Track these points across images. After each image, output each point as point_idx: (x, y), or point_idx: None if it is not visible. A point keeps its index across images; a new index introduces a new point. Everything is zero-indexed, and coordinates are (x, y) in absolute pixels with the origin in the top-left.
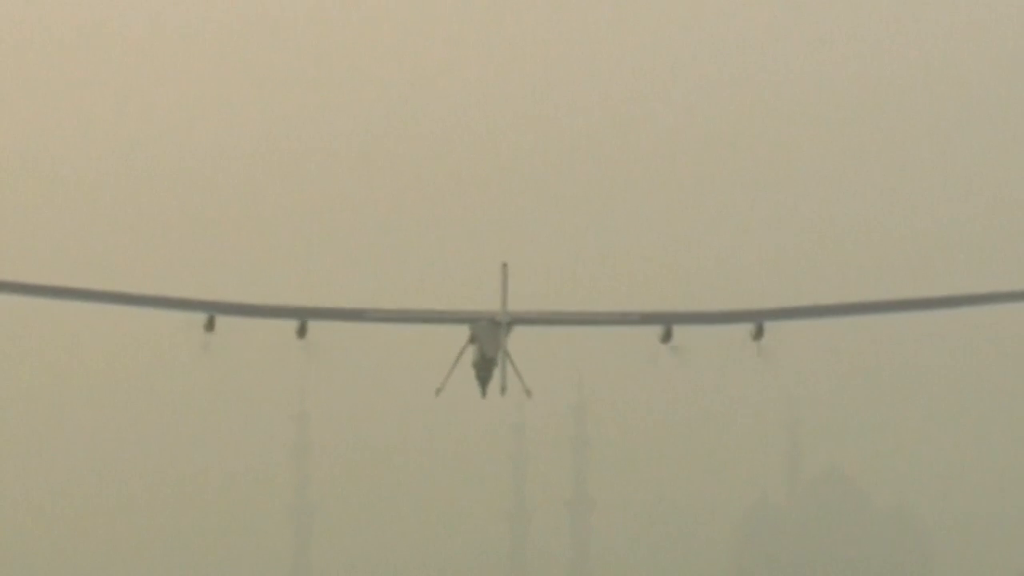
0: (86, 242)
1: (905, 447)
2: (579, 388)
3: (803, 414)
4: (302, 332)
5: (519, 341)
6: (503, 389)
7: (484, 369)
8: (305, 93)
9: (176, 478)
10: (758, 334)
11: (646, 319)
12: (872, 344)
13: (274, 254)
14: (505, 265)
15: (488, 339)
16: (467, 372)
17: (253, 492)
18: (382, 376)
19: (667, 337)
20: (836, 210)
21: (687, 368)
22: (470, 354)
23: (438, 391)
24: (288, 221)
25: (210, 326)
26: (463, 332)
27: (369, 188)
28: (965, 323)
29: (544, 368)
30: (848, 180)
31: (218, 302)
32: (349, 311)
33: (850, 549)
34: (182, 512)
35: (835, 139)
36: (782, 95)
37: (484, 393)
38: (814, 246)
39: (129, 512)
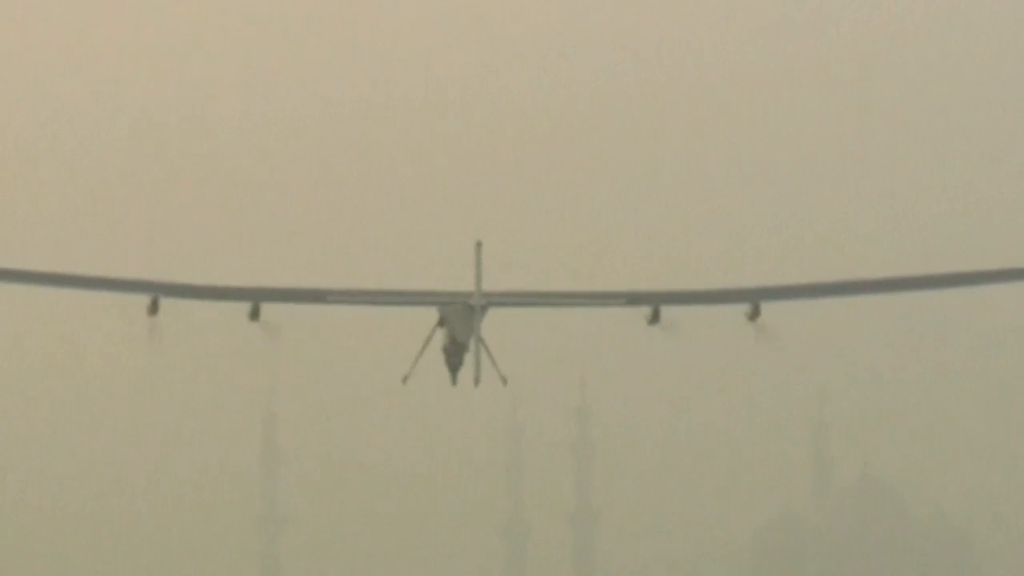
0: (17, 219)
1: (941, 448)
2: (581, 387)
3: (827, 412)
4: (255, 315)
5: (500, 328)
6: (476, 380)
7: (455, 355)
8: (263, 60)
9: (120, 476)
10: (754, 314)
11: (633, 299)
12: (890, 327)
13: (225, 230)
14: (479, 244)
15: (460, 323)
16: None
17: (209, 499)
18: (348, 366)
19: (655, 319)
20: (839, 183)
21: (685, 356)
22: (439, 339)
23: (405, 379)
24: (241, 194)
25: (153, 309)
26: (435, 316)
27: (331, 159)
28: (989, 303)
29: (541, 363)
30: (850, 151)
31: (161, 283)
32: (308, 292)
33: (885, 566)
34: (129, 515)
35: (835, 109)
36: (775, 64)
37: (455, 380)
38: (814, 222)
39: (72, 515)
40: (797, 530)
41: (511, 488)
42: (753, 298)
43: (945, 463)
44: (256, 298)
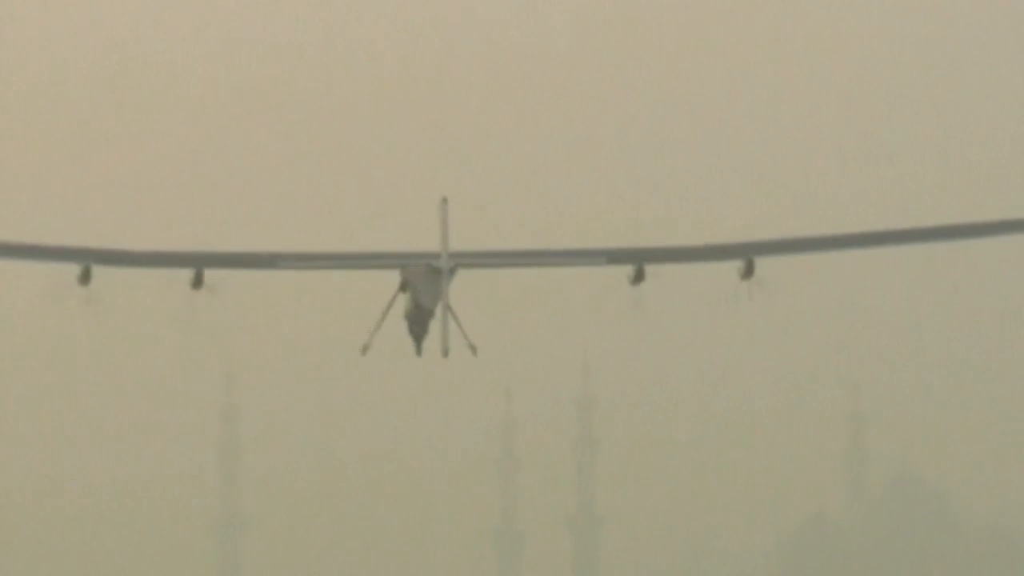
0: None
1: (985, 439)
2: (584, 375)
3: (855, 397)
4: (197, 283)
5: (469, 293)
6: (444, 350)
7: (419, 323)
8: (207, 10)
9: (49, 466)
10: (747, 272)
11: (615, 257)
12: (912, 282)
13: (164, 189)
14: (445, 200)
15: (425, 287)
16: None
17: (155, 498)
18: (304, 341)
19: (638, 278)
20: (836, 129)
21: (675, 323)
22: (402, 305)
23: (364, 350)
24: (180, 150)
25: (85, 278)
26: (397, 280)
27: (281, 111)
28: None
29: (538, 345)
30: (848, 95)
31: (92, 249)
32: (257, 256)
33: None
34: (64, 505)
35: (829, 56)
36: (765, 8)
37: (419, 351)
38: (813, 172)
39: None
40: (828, 534)
41: (502, 488)
42: (746, 253)
43: (990, 457)
44: (199, 264)
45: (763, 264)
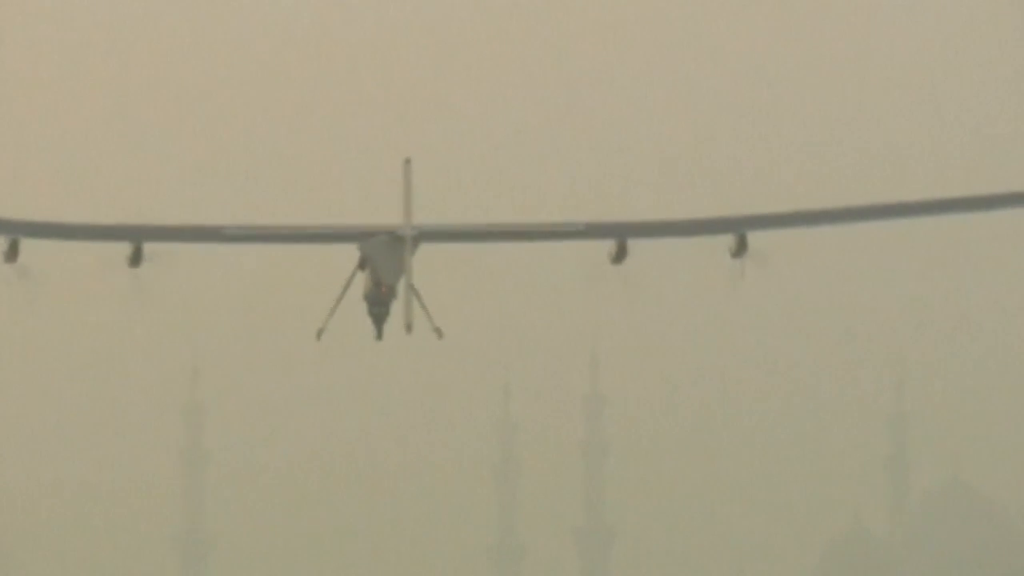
0: None
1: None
2: (592, 371)
3: (886, 390)
4: (136, 260)
5: (451, 272)
6: (408, 327)
7: (379, 303)
8: None
9: None
10: (739, 249)
11: (594, 230)
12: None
13: (99, 155)
14: (408, 161)
15: (386, 261)
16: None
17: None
18: (259, 326)
19: (620, 255)
20: (835, 99)
21: (660, 304)
22: (361, 285)
23: (319, 334)
24: (121, 114)
25: (11, 254)
26: (355, 257)
27: (225, 70)
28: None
29: (539, 335)
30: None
31: (20, 221)
32: (200, 229)
33: None
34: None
35: (825, 28)
36: None
37: (380, 334)
38: (811, 143)
39: None
40: (866, 548)
41: (500, 497)
42: (737, 228)
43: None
44: (137, 237)
45: (780, 242)
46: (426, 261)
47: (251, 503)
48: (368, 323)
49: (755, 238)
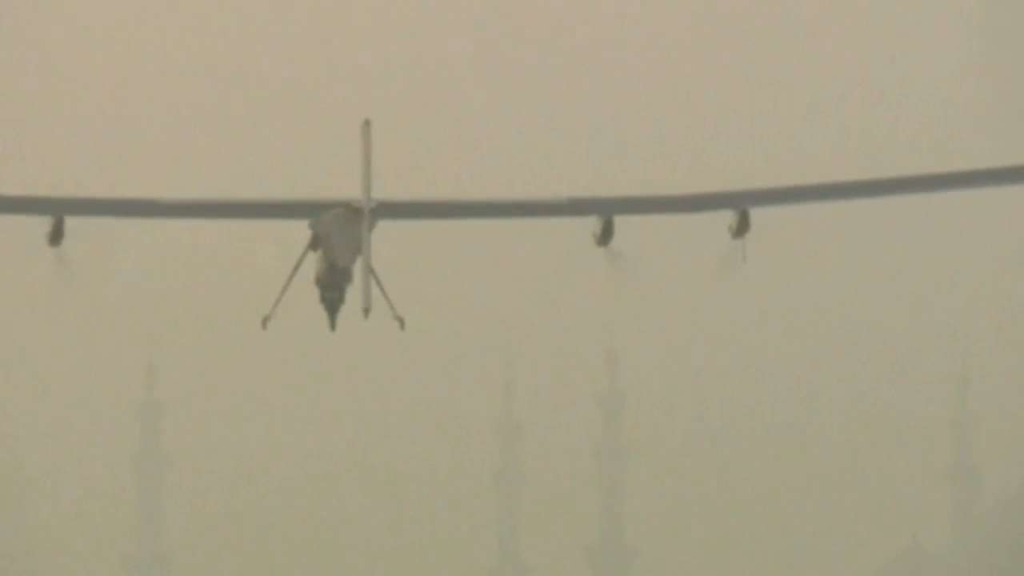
0: None
1: None
2: (607, 366)
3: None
4: (56, 237)
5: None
6: (366, 311)
7: (334, 287)
8: None
9: None
10: (741, 228)
11: (579, 207)
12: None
13: (18, 124)
14: (367, 122)
15: (342, 239)
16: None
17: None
18: (202, 312)
19: (607, 235)
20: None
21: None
22: (313, 266)
23: (265, 322)
24: (43, 74)
25: None
26: (305, 236)
27: (162, 27)
28: None
29: (543, 324)
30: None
31: None
32: (131, 203)
33: None
34: None
35: None
36: None
37: (333, 324)
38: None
39: None
40: (926, 571)
41: (503, 512)
42: (739, 203)
43: None
44: (59, 211)
45: (815, 217)
46: (403, 237)
47: (214, 516)
48: (354, 311)
49: (765, 215)
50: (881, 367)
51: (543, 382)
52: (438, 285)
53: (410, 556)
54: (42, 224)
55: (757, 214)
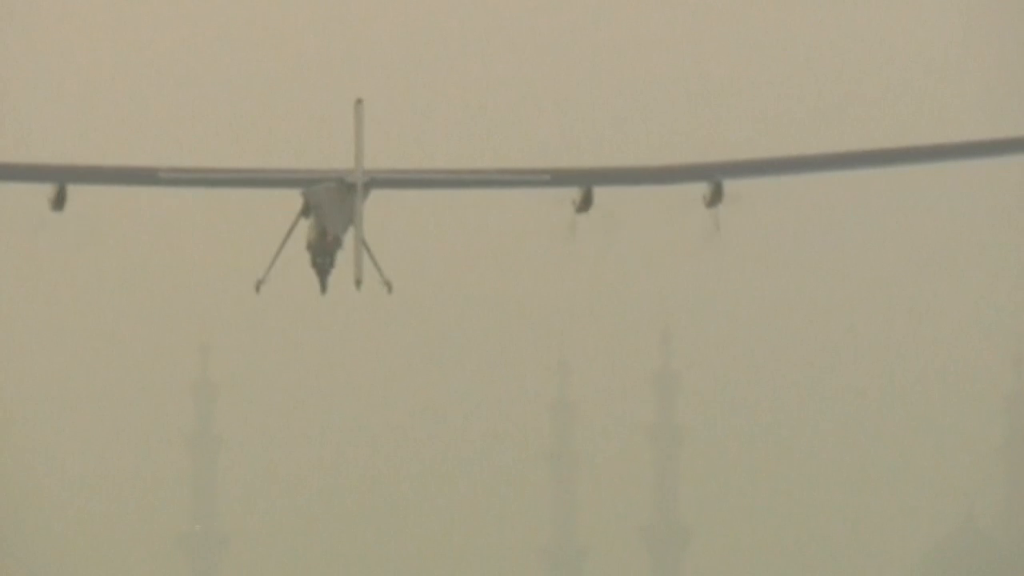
0: None
1: None
2: (662, 342)
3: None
4: (59, 203)
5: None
6: (358, 282)
7: (324, 253)
8: None
9: None
10: (714, 198)
11: (560, 178)
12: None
13: (22, 93)
14: (360, 102)
15: (333, 209)
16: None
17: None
18: (193, 279)
19: (586, 203)
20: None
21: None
22: (304, 233)
23: (258, 286)
24: (45, 44)
25: None
26: (297, 203)
27: (163, 4)
28: None
29: (600, 298)
30: None
31: None
32: (132, 171)
33: None
34: None
35: None
36: None
37: (324, 288)
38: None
39: None
40: (981, 548)
41: (556, 493)
42: (712, 175)
43: None
44: (62, 179)
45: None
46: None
47: (268, 497)
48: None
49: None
50: (939, 346)
51: (598, 360)
52: (513, 260)
53: (464, 537)
54: (44, 189)
55: (730, 185)
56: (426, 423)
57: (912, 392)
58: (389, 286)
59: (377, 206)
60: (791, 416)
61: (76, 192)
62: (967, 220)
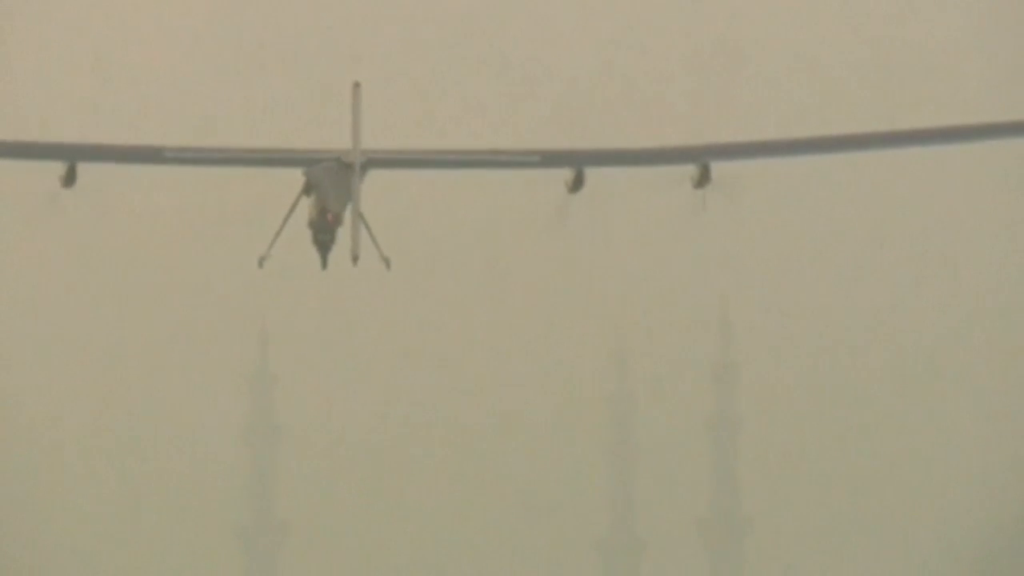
0: None
1: None
2: (722, 330)
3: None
4: (70, 179)
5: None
6: (355, 258)
7: (325, 230)
8: None
9: None
10: (702, 179)
11: (550, 159)
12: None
13: (31, 73)
14: (358, 85)
15: (333, 188)
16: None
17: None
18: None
19: (578, 184)
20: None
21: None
22: (306, 211)
23: (262, 262)
24: (54, 24)
25: None
26: (299, 181)
27: None
28: None
29: (656, 285)
30: None
31: None
32: (139, 150)
33: None
34: None
35: None
36: None
37: (325, 263)
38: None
39: None
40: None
41: (614, 483)
42: (700, 157)
43: None
44: (72, 157)
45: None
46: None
47: (328, 486)
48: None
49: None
50: (1003, 337)
51: (658, 351)
52: (575, 246)
53: (521, 527)
54: (55, 167)
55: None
56: (486, 413)
57: (994, 384)
58: (387, 263)
59: (384, 186)
60: (861, 408)
61: (87, 170)
62: (956, 200)
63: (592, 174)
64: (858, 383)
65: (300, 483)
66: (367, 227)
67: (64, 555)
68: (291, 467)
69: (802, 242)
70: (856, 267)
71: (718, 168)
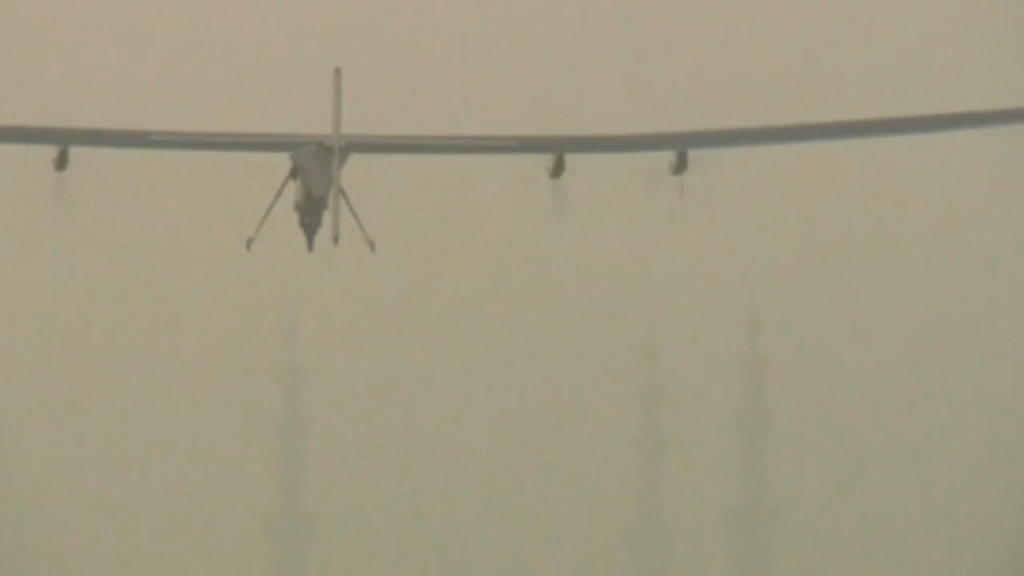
0: None
1: None
2: (750, 325)
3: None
4: (62, 163)
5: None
6: (335, 238)
7: (311, 213)
8: None
9: None
10: (679, 166)
11: (528, 145)
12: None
13: (22, 59)
14: (339, 71)
15: (316, 172)
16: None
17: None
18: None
19: (558, 170)
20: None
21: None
22: (292, 194)
23: (249, 244)
24: (43, 10)
25: None
26: (287, 165)
27: None
28: None
29: (688, 281)
30: None
31: None
32: (127, 134)
33: None
34: None
35: None
36: None
37: (311, 245)
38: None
39: None
40: None
41: (644, 476)
42: (678, 145)
43: None
44: (63, 141)
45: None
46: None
47: (356, 481)
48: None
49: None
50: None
51: (686, 345)
52: (606, 238)
53: (550, 520)
54: (47, 151)
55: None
56: (516, 407)
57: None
58: (372, 245)
59: (368, 171)
60: (892, 402)
61: (79, 154)
62: (936, 188)
63: (574, 160)
64: (857, 379)
65: (328, 477)
66: (351, 208)
67: (94, 549)
68: (319, 461)
69: (781, 230)
70: (836, 256)
71: (696, 155)
